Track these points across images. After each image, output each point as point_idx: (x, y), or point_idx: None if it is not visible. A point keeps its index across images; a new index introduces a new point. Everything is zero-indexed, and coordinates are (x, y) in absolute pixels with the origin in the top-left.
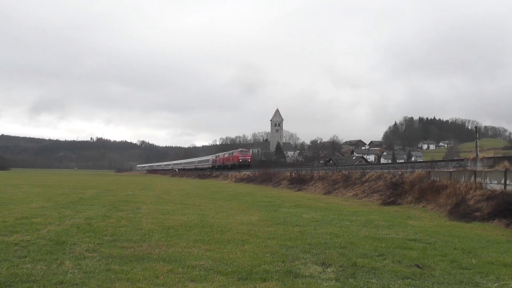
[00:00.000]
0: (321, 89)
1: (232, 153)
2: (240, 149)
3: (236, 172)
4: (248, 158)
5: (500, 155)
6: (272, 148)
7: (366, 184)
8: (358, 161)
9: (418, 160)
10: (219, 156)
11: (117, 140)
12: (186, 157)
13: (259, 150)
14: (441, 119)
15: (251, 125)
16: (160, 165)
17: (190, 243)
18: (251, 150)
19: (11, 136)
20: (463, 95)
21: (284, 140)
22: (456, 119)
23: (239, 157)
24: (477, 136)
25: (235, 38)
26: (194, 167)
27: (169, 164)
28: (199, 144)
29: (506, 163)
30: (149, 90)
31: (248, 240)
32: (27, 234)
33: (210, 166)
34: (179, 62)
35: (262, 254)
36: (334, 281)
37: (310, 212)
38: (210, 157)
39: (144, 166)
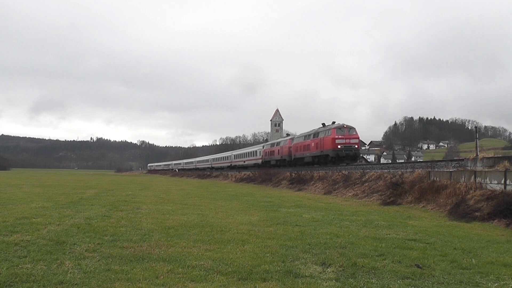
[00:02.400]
0: (321, 89)
1: (317, 134)
2: (337, 125)
3: (236, 172)
4: (355, 144)
5: (500, 155)
6: None
7: (366, 184)
8: (358, 161)
9: (418, 160)
10: (279, 144)
11: (117, 140)
12: (186, 157)
13: None
14: (441, 119)
15: (251, 125)
16: (180, 164)
17: (190, 243)
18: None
19: (11, 136)
20: (463, 95)
21: None
22: (456, 119)
23: (336, 140)
24: (477, 136)
25: (236, 38)
26: (228, 164)
27: (192, 162)
28: (199, 144)
29: (506, 163)
30: (149, 90)
31: (248, 240)
32: (27, 234)
33: (260, 162)
34: (179, 62)
35: (262, 254)
36: (334, 281)
37: (310, 212)
38: (258, 148)
39: (159, 165)
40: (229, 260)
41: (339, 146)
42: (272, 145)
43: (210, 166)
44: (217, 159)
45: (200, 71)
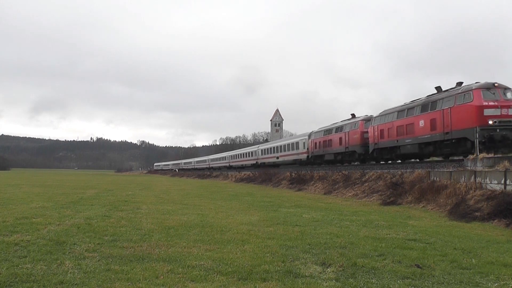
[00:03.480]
0: (321, 89)
1: (433, 105)
2: (482, 84)
3: (236, 172)
4: None
5: (500, 155)
6: None
7: (366, 184)
8: None
9: (418, 160)
10: (341, 129)
11: (117, 140)
12: (186, 157)
13: None
14: None
15: (251, 125)
16: (190, 162)
17: (190, 243)
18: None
19: (11, 136)
20: None
21: None
22: None
23: (485, 111)
24: (477, 136)
25: (236, 39)
26: (253, 162)
27: (205, 161)
28: (199, 144)
29: (506, 163)
30: (149, 90)
31: (248, 240)
32: (27, 234)
33: (305, 157)
34: (179, 63)
35: (262, 254)
36: (334, 281)
37: (310, 212)
38: (301, 139)
39: (167, 164)
40: (229, 260)
41: (490, 122)
42: (327, 132)
43: (227, 165)
44: (237, 156)
45: (200, 71)
